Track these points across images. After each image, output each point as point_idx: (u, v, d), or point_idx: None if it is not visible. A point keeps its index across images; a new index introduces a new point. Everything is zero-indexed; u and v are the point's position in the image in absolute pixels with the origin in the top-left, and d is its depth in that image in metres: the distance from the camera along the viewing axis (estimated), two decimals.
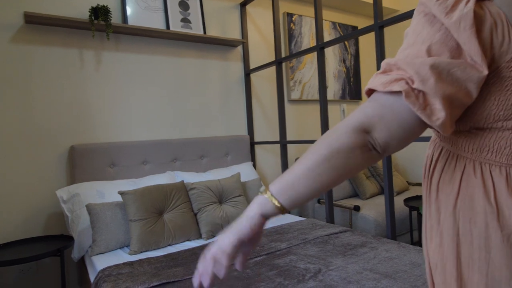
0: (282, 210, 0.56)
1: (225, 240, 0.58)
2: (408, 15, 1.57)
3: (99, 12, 2.01)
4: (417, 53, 0.50)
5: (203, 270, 0.59)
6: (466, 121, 0.54)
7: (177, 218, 1.77)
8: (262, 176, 2.84)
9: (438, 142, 0.61)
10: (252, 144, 2.73)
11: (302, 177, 0.54)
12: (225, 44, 2.60)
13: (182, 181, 1.97)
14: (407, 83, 0.49)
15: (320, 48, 2.04)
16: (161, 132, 2.35)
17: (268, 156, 2.89)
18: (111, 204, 1.74)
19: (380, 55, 1.71)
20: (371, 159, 0.54)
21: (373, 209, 2.39)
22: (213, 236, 1.83)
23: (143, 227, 1.65)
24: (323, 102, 2.05)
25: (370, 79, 0.54)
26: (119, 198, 1.83)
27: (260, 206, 0.58)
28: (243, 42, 2.64)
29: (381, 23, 1.70)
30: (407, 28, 0.60)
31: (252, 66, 2.79)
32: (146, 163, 2.20)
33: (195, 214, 1.88)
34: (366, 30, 1.80)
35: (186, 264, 1.41)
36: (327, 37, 3.25)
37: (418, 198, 2.35)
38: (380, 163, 2.92)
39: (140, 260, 1.47)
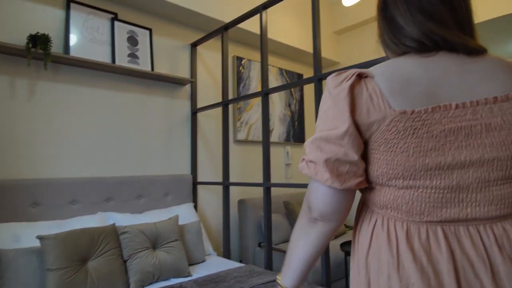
0: None
1: None
2: (347, 69, 1.70)
3: (38, 41, 1.91)
4: (316, 131, 0.64)
5: None
6: (370, 177, 0.64)
7: (103, 266, 1.62)
8: (203, 217, 2.76)
9: (361, 199, 0.71)
10: (195, 184, 2.66)
11: (289, 264, 0.71)
12: (173, 82, 2.59)
13: (113, 224, 1.83)
14: (305, 159, 0.64)
15: (264, 93, 2.12)
16: (95, 169, 2.21)
17: (211, 196, 2.83)
18: (26, 250, 1.55)
19: (319, 104, 1.81)
20: (322, 229, 0.66)
21: None
22: (142, 287, 1.70)
23: (61, 277, 1.48)
24: (266, 146, 2.10)
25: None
26: (38, 243, 1.64)
27: None
28: (192, 81, 2.65)
29: (320, 76, 1.82)
30: None
31: (200, 105, 2.80)
32: (75, 202, 2.03)
33: (125, 261, 1.74)
34: (306, 81, 1.91)
35: None
36: (273, 83, 3.40)
37: None
38: None
39: None
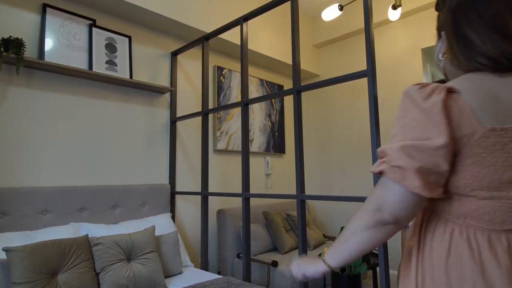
0: (332, 269, 0.77)
1: (301, 269, 0.83)
2: (323, 83, 1.73)
3: (11, 45, 1.85)
4: (398, 139, 0.65)
5: (296, 271, 0.84)
6: (451, 187, 0.66)
7: (74, 279, 1.55)
8: (181, 227, 2.70)
9: (428, 208, 0.72)
10: (173, 193, 2.62)
11: (341, 248, 0.73)
12: (152, 90, 2.56)
13: (86, 235, 1.77)
14: (387, 163, 0.65)
15: (244, 104, 2.12)
16: (69, 178, 2.13)
17: (189, 206, 2.79)
18: None
19: (298, 115, 1.84)
20: (388, 231, 0.67)
21: (290, 265, 2.40)
22: None
23: None
24: (245, 156, 2.09)
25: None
26: (3, 255, 1.56)
27: (319, 265, 0.78)
28: (171, 90, 2.63)
29: (298, 88, 1.85)
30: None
31: (180, 113, 2.78)
32: (46, 212, 1.95)
33: (98, 274, 1.67)
34: (286, 93, 1.93)
35: None
36: (254, 93, 3.42)
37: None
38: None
39: None
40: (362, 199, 1.55)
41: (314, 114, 3.94)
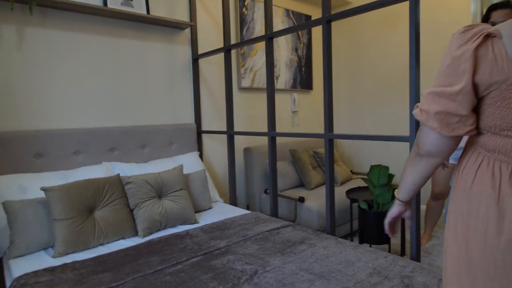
0: (404, 202, 0.93)
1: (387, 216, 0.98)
2: (357, 10, 1.54)
3: None
4: (434, 83, 0.73)
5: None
6: (484, 126, 0.72)
7: (110, 215, 1.65)
8: (209, 166, 2.76)
9: (469, 141, 0.80)
10: (199, 133, 2.63)
11: (402, 183, 0.89)
12: (171, 26, 2.43)
13: (118, 174, 1.83)
14: (419, 107, 0.75)
15: (268, 38, 1.97)
16: (97, 120, 2.16)
17: (216, 145, 2.81)
18: (32, 201, 1.57)
19: (327, 47, 1.68)
20: (428, 163, 0.80)
21: (317, 200, 2.43)
22: (150, 234, 1.74)
23: (69, 226, 1.51)
24: (270, 93, 2.00)
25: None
26: (43, 194, 1.66)
27: (395, 203, 0.96)
28: (191, 25, 2.49)
29: (328, 17, 1.67)
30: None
31: (201, 50, 2.66)
32: (79, 153, 2.02)
33: (131, 210, 1.76)
34: (314, 23, 1.75)
35: (115, 269, 1.31)
36: (279, 25, 3.19)
37: (360, 189, 2.42)
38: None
39: (64, 265, 1.35)
40: (392, 138, 1.46)
41: (344, 46, 3.67)
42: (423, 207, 3.10)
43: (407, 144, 3.14)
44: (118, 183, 1.77)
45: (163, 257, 1.43)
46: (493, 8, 1.64)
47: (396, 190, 0.94)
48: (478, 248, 0.70)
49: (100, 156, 2.09)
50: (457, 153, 2.36)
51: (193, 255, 1.44)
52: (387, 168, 1.91)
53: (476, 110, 0.71)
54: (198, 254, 1.45)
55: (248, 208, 2.89)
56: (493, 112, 0.68)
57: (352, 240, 2.20)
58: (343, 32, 3.65)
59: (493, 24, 1.58)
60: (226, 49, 2.30)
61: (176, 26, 2.44)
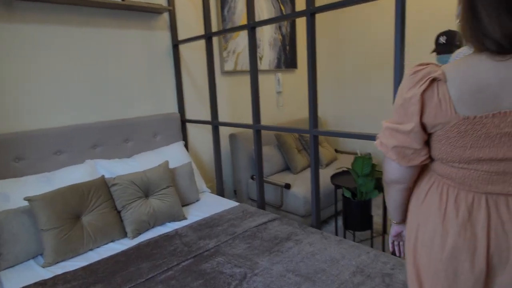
0: (397, 223, 0.99)
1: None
2: (340, 4, 1.49)
3: None
4: (390, 118, 0.82)
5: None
6: (434, 156, 0.79)
7: (97, 220, 1.65)
8: (195, 154, 2.75)
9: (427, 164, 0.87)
10: (184, 122, 2.58)
11: (389, 207, 0.97)
12: (148, 11, 2.30)
13: (103, 176, 1.81)
14: (379, 139, 0.85)
15: (251, 27, 1.90)
16: (77, 116, 2.09)
17: (201, 132, 2.78)
18: (17, 210, 1.55)
19: (311, 40, 1.64)
20: (396, 189, 0.88)
21: (302, 186, 2.48)
22: (139, 234, 1.76)
23: (57, 236, 1.51)
24: (254, 86, 1.96)
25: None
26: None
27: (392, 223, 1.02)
28: (170, 10, 2.36)
29: (313, 10, 1.61)
30: None
31: (182, 35, 2.55)
32: (60, 153, 1.97)
33: (119, 212, 1.77)
34: (297, 15, 1.69)
35: (106, 279, 1.34)
36: (263, 9, 3.06)
37: (345, 174, 2.47)
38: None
39: (55, 277, 1.36)
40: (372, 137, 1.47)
41: (328, 23, 3.57)
42: None
43: None
44: (103, 185, 1.75)
45: (153, 262, 1.45)
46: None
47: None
48: (424, 260, 0.80)
49: (82, 154, 2.05)
50: None
51: (183, 258, 1.48)
52: (370, 159, 1.95)
53: (428, 142, 0.79)
54: (188, 257, 1.49)
55: (235, 193, 2.94)
56: (440, 148, 0.75)
57: (336, 222, 2.28)
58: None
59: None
60: (208, 36, 2.21)
61: (153, 11, 2.32)
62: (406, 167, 0.81)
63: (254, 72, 1.94)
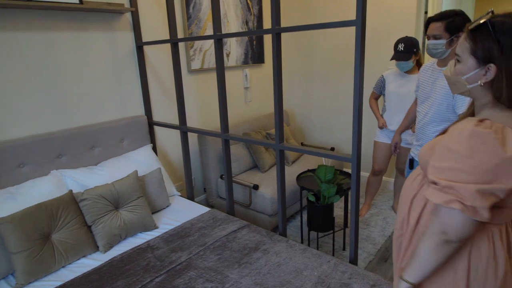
0: (413, 285, 0.90)
1: None
2: (303, 27, 1.54)
3: None
4: (467, 179, 0.76)
5: None
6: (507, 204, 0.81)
7: (67, 237, 1.66)
8: (163, 155, 2.76)
9: None
10: (151, 124, 2.57)
11: (421, 268, 0.87)
12: (109, 11, 2.21)
13: (71, 191, 1.80)
14: (461, 202, 0.76)
15: (217, 39, 1.90)
16: (39, 126, 2.03)
17: (169, 132, 2.78)
18: None
19: (277, 60, 1.68)
20: (454, 248, 0.82)
21: (270, 186, 2.59)
22: (111, 247, 1.80)
23: (27, 258, 1.51)
24: (222, 94, 1.99)
25: (429, 190, 0.83)
26: None
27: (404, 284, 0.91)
28: (132, 10, 2.29)
29: (278, 30, 1.64)
30: (447, 141, 0.82)
31: (146, 35, 2.48)
32: (24, 165, 1.92)
33: (89, 227, 1.78)
34: (265, 32, 1.72)
35: None
36: (230, 4, 3.01)
37: (310, 172, 2.60)
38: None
39: None
40: (334, 157, 1.58)
41: (295, 19, 3.59)
42: (364, 175, 3.42)
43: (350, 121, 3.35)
44: (71, 201, 1.75)
45: (127, 280, 1.51)
46: (428, 21, 1.72)
47: (402, 273, 0.91)
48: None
49: (47, 165, 2.00)
50: (408, 138, 2.59)
51: (156, 274, 1.55)
52: (332, 167, 2.08)
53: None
54: (160, 272, 1.55)
55: (204, 191, 3.00)
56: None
57: (301, 218, 2.42)
58: (295, 4, 3.55)
59: (434, 37, 1.67)
60: (173, 42, 2.18)
61: (115, 11, 2.23)
62: (478, 224, 0.79)
63: (221, 80, 1.97)
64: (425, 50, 2.04)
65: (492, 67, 0.81)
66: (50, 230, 1.64)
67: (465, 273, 0.85)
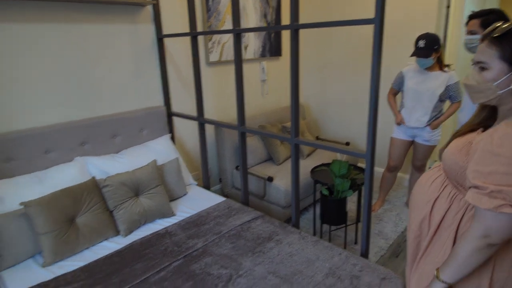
0: (450, 285, 0.91)
1: None
2: (324, 24, 1.56)
3: None
4: None
5: None
6: None
7: (91, 221, 1.75)
8: (182, 145, 2.83)
9: None
10: (170, 115, 2.64)
11: (460, 270, 0.88)
12: (132, 4, 2.27)
13: (93, 178, 1.89)
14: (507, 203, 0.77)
15: (236, 33, 1.94)
16: (64, 114, 2.12)
17: (187, 123, 2.84)
18: (14, 214, 1.63)
19: (295, 56, 1.71)
20: (493, 251, 0.84)
21: (284, 179, 2.63)
22: (131, 232, 1.88)
23: (54, 238, 1.61)
24: (239, 89, 2.03)
25: (473, 195, 0.83)
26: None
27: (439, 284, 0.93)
28: (154, 3, 2.34)
29: (296, 26, 1.66)
30: (489, 144, 0.82)
31: (166, 27, 2.54)
32: (49, 151, 2.02)
33: (111, 212, 1.87)
34: (283, 28, 1.74)
35: (105, 281, 1.47)
36: (249, 1, 3.02)
37: (324, 166, 2.62)
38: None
39: (56, 279, 1.48)
40: (349, 153, 1.61)
41: (314, 13, 3.57)
42: (378, 171, 3.42)
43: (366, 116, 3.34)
44: (95, 187, 1.84)
45: (146, 263, 1.59)
46: (470, 17, 1.79)
47: (437, 273, 0.93)
48: None
49: (71, 152, 2.10)
50: (412, 131, 2.59)
51: (174, 258, 1.62)
52: (347, 162, 2.10)
53: None
54: (178, 257, 1.63)
55: (220, 181, 3.07)
56: None
57: (314, 211, 2.47)
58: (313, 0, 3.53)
59: (471, 33, 1.74)
60: (193, 35, 2.23)
61: (137, 4, 2.29)
62: None
63: (239, 74, 2.00)
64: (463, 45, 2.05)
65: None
66: (75, 213, 1.73)
67: (488, 282, 0.88)
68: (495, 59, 0.85)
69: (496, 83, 0.86)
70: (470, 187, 0.85)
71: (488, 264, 0.89)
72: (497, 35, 0.84)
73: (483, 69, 0.88)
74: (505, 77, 0.85)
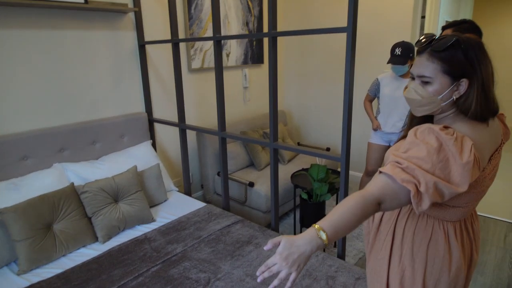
0: (327, 243, 0.78)
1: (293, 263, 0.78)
2: (300, 32, 1.61)
3: None
4: (428, 169, 0.79)
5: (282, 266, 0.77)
6: (452, 203, 0.90)
7: (68, 227, 1.74)
8: (162, 151, 2.83)
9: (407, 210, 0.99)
10: (151, 121, 2.64)
11: (341, 220, 0.78)
12: (113, 10, 2.29)
13: (72, 184, 1.88)
14: (416, 186, 0.77)
15: (217, 41, 1.98)
16: (43, 120, 2.10)
17: (170, 131, 2.85)
18: None
19: (273, 63, 1.76)
20: (375, 211, 0.82)
21: (265, 184, 2.67)
22: (110, 238, 1.87)
23: (30, 246, 1.59)
24: (220, 94, 2.07)
25: (389, 166, 0.82)
26: None
27: (313, 243, 0.77)
28: (135, 10, 2.36)
29: (274, 34, 1.71)
30: (412, 137, 0.85)
31: (148, 34, 2.55)
32: (27, 158, 2.00)
33: (89, 218, 1.86)
34: (262, 35, 1.79)
35: (81, 287, 1.46)
36: (232, 9, 3.08)
37: (304, 171, 2.68)
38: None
39: (31, 286, 1.46)
40: (325, 156, 1.66)
41: (295, 20, 3.66)
42: (357, 175, 3.49)
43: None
44: (73, 194, 1.83)
45: (124, 269, 1.59)
46: (443, 28, 1.83)
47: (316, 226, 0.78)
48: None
49: (49, 158, 2.08)
50: (389, 136, 2.67)
51: (152, 264, 1.62)
52: (324, 166, 2.15)
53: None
54: (156, 262, 1.63)
55: (202, 187, 3.08)
56: (465, 196, 0.88)
57: (295, 215, 2.50)
58: (294, 5, 3.62)
59: None
60: (174, 42, 2.25)
61: (119, 11, 2.30)
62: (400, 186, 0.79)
63: (219, 80, 2.04)
64: None
65: (464, 81, 0.85)
66: (52, 220, 1.72)
67: (423, 266, 0.94)
68: (438, 73, 0.86)
69: (440, 96, 0.88)
70: (391, 162, 0.83)
71: (421, 248, 0.95)
72: (439, 49, 0.85)
73: (426, 83, 0.89)
74: (449, 89, 0.87)
